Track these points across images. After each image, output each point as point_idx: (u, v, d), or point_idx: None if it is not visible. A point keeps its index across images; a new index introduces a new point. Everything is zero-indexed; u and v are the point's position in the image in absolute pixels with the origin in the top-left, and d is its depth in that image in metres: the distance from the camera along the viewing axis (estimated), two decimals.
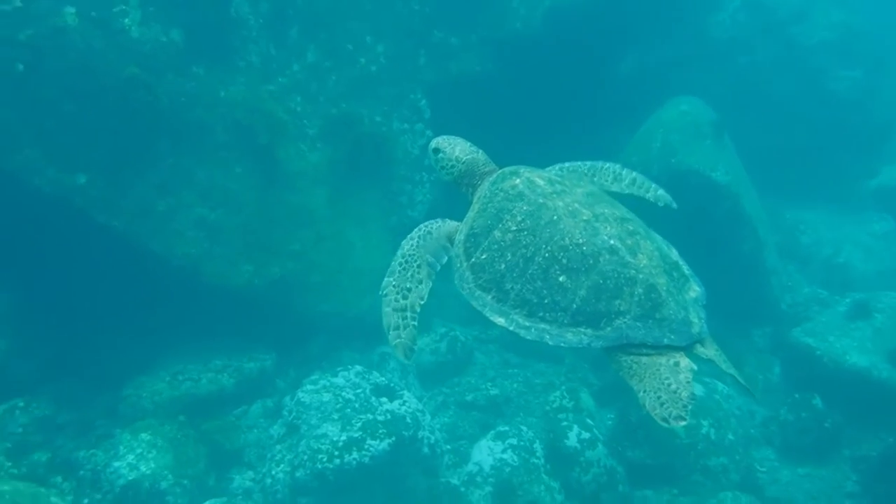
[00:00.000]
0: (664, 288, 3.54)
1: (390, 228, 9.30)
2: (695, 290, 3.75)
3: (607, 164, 4.52)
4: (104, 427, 7.53)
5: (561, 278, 3.55)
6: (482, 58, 9.77)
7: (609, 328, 3.48)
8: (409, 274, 4.02)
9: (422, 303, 3.95)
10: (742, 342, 9.73)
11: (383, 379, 7.92)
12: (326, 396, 7.34)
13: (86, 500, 6.64)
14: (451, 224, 4.23)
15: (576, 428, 7.68)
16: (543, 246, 3.63)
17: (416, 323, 3.89)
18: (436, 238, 4.15)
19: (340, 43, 9.06)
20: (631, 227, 3.74)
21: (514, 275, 3.65)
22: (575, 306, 3.50)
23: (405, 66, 9.52)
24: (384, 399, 7.46)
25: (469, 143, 4.50)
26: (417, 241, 4.13)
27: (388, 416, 7.10)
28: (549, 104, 10.30)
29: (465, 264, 3.86)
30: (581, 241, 3.61)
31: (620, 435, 7.93)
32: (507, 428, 7.74)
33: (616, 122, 11.28)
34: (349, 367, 8.07)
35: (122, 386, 7.97)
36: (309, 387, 7.55)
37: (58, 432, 7.33)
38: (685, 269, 3.85)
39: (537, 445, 7.54)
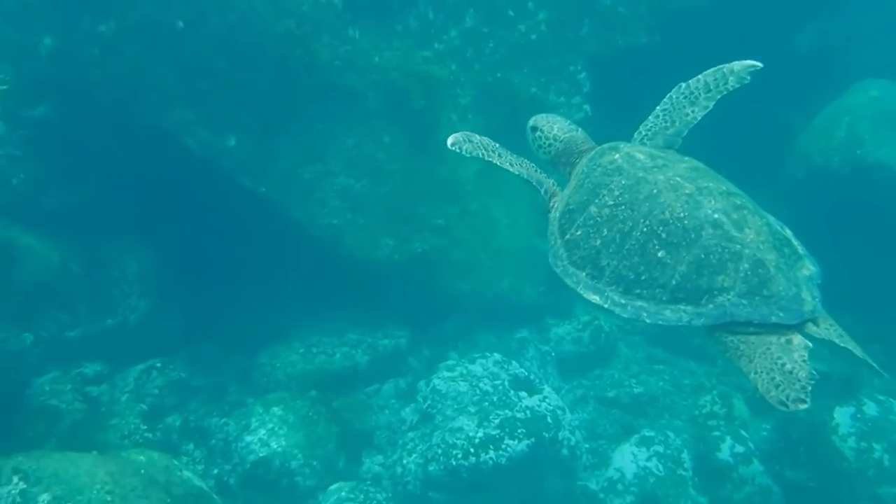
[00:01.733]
0: (773, 264, 3.33)
1: (537, 208, 8.79)
2: (808, 269, 3.50)
3: (672, 96, 4.35)
4: (237, 394, 7.54)
5: (660, 253, 3.40)
6: (650, 29, 9.06)
7: (711, 305, 3.29)
8: (510, 156, 4.26)
9: (500, 164, 4.18)
10: None
11: (522, 370, 7.57)
12: (463, 386, 7.06)
13: (216, 470, 6.65)
14: (555, 188, 4.16)
15: (728, 439, 7.16)
16: (642, 220, 3.49)
17: (481, 154, 4.23)
18: (546, 180, 4.19)
19: (501, 8, 8.60)
20: (738, 202, 3.54)
21: (611, 251, 3.53)
22: (674, 282, 3.35)
23: (567, 35, 8.95)
24: (523, 394, 7.12)
25: (568, 122, 4.41)
26: (535, 165, 4.24)
27: (528, 414, 6.75)
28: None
29: (559, 241, 3.77)
30: (682, 214, 3.44)
31: (778, 451, 7.30)
32: (652, 433, 7.27)
33: (790, 103, 10.33)
34: (487, 354, 7.75)
35: (256, 353, 7.96)
36: (445, 373, 7.28)
37: (192, 396, 7.39)
38: (799, 247, 3.59)
39: (685, 455, 7.05)
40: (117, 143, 7.05)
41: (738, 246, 3.36)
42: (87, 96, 6.72)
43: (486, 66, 8.51)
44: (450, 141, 4.28)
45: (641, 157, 3.80)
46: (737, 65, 4.29)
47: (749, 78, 4.26)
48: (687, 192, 3.54)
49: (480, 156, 4.21)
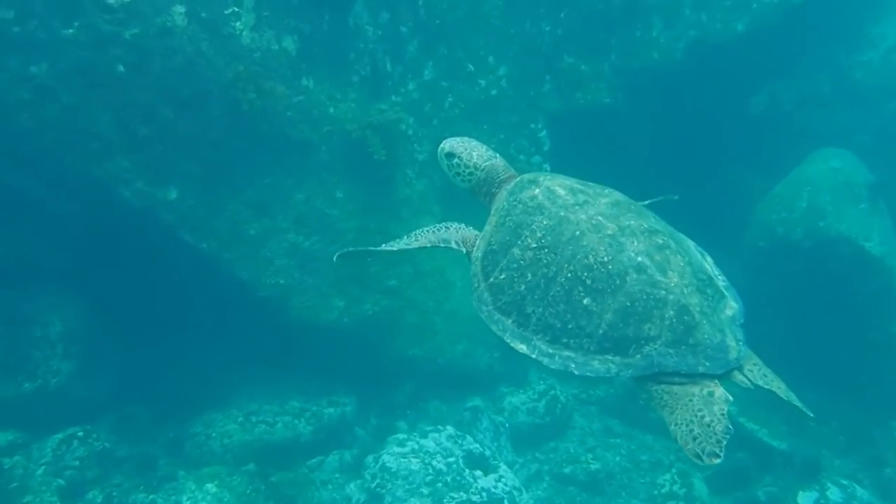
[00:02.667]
0: (697, 309, 3.30)
1: None
2: (731, 307, 3.50)
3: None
4: (167, 467, 6.97)
5: (585, 301, 3.34)
6: (612, 88, 8.92)
7: (638, 356, 3.26)
8: (404, 240, 4.06)
9: (398, 248, 4.01)
10: (881, 433, 8.66)
11: (476, 445, 7.17)
12: (415, 463, 6.62)
13: None
14: (467, 231, 4.03)
15: None
16: (566, 265, 3.42)
17: (369, 249, 4.15)
18: (449, 231, 4.02)
19: (461, 61, 8.36)
20: (660, 241, 3.49)
21: (536, 297, 3.45)
22: (601, 332, 3.31)
23: (527, 91, 8.78)
24: (479, 472, 6.72)
25: (485, 147, 4.27)
26: (425, 229, 4.05)
27: (484, 498, 6.34)
28: (676, 141, 9.44)
29: (482, 284, 3.67)
30: (606, 258, 3.37)
31: None
32: None
33: (746, 166, 10.32)
34: (440, 427, 7.35)
35: (190, 420, 7.40)
36: (395, 448, 6.84)
37: (116, 468, 6.79)
38: (721, 282, 3.58)
39: None
40: (45, 192, 6.52)
41: (663, 291, 3.31)
42: (12, 141, 6.15)
43: (445, 120, 8.27)
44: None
45: (562, 192, 3.70)
46: None
47: None
48: (609, 232, 3.46)
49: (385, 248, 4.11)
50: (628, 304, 3.29)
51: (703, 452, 3.03)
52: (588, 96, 8.90)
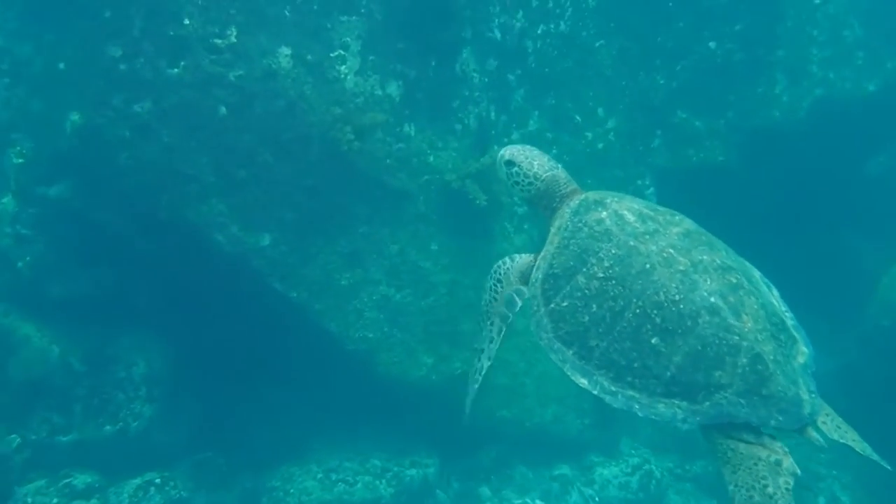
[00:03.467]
0: (771, 357, 3.18)
1: None
2: (803, 353, 3.41)
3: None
4: None
5: (653, 340, 3.24)
6: (727, 146, 8.34)
7: (707, 403, 3.16)
8: (484, 333, 3.94)
9: (489, 364, 3.88)
10: None
11: None
12: None
13: None
14: (524, 259, 3.91)
15: None
16: (634, 300, 3.30)
17: (476, 387, 3.90)
18: (506, 284, 3.89)
19: (568, 112, 7.95)
20: (734, 280, 3.35)
21: (600, 330, 3.34)
22: (669, 374, 3.20)
23: (636, 146, 8.29)
24: None
25: (547, 157, 4.11)
26: (490, 295, 3.92)
27: None
28: (792, 203, 8.78)
29: (542, 309, 3.56)
30: (678, 297, 3.25)
31: None
32: None
33: (866, 232, 9.54)
34: (527, 500, 6.81)
35: (268, 472, 7.09)
36: None
37: None
38: (791, 324, 3.47)
39: None
40: (137, 231, 6.33)
41: (737, 337, 3.19)
42: (110, 178, 6.03)
43: None
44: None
45: (631, 218, 3.56)
46: None
47: None
48: (682, 268, 3.32)
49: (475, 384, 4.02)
50: (699, 347, 3.18)
51: None
52: (700, 154, 8.35)
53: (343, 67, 6.53)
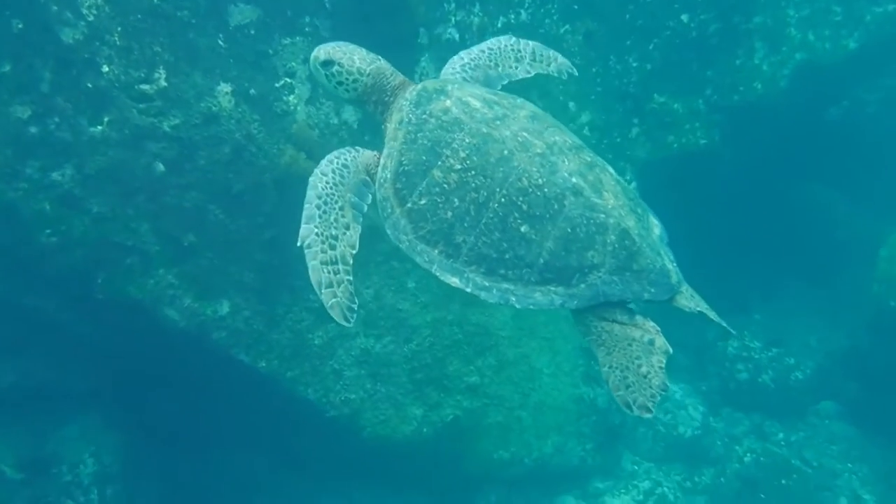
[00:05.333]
0: (636, 232, 3.38)
1: (585, 350, 7.99)
2: (656, 226, 3.62)
3: (502, 42, 4.35)
4: None
5: (523, 228, 3.37)
6: (708, 127, 8.30)
7: (583, 285, 3.35)
8: (332, 218, 3.72)
9: (353, 252, 3.69)
10: None
11: None
12: None
13: None
14: (367, 154, 3.90)
15: None
16: (497, 189, 3.39)
17: (350, 278, 3.62)
18: (353, 172, 3.83)
19: None
20: (588, 158, 3.57)
21: (465, 225, 3.41)
22: (542, 261, 3.35)
23: (613, 139, 8.15)
24: None
25: (365, 50, 4.10)
26: (333, 178, 3.78)
27: None
28: (781, 181, 8.86)
29: (398, 210, 3.58)
30: (541, 181, 3.38)
31: None
32: None
33: (859, 199, 9.74)
34: None
35: None
36: None
37: None
38: (641, 200, 3.70)
39: None
40: (71, 315, 5.86)
41: (602, 215, 3.36)
42: (32, 260, 5.52)
43: None
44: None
45: (477, 104, 3.63)
46: (561, 58, 4.49)
47: (565, 75, 4.49)
48: (539, 151, 3.45)
49: (350, 287, 3.67)
50: (569, 230, 3.33)
51: (633, 403, 3.21)
52: (682, 139, 8.29)
53: (292, 97, 6.15)
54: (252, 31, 5.95)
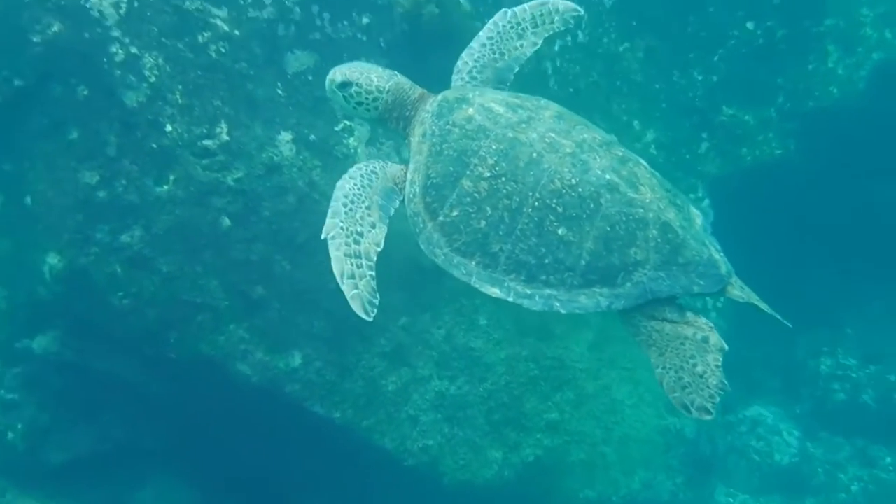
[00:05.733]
0: (678, 224, 3.38)
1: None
2: (698, 215, 3.62)
3: (498, 24, 4.27)
4: None
5: (560, 231, 3.37)
6: (783, 137, 8.16)
7: (628, 284, 3.33)
8: (358, 216, 3.73)
9: (378, 249, 3.68)
10: None
11: None
12: None
13: None
14: (394, 167, 3.92)
15: None
16: (530, 193, 3.40)
17: (373, 273, 3.61)
18: (382, 178, 3.86)
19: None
20: (620, 153, 3.56)
21: (501, 233, 3.43)
22: (583, 263, 3.35)
23: (682, 155, 8.07)
24: None
25: (381, 67, 4.17)
26: (361, 181, 3.81)
27: None
28: (866, 190, 8.65)
29: (429, 224, 3.60)
30: (573, 181, 3.40)
31: None
32: None
33: None
34: None
35: None
36: None
37: None
38: (679, 191, 3.67)
39: None
40: (144, 376, 5.99)
41: (641, 210, 3.36)
42: (104, 323, 5.67)
43: None
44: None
45: (500, 108, 3.65)
46: (561, 4, 4.28)
47: (573, 22, 4.35)
48: (569, 150, 3.46)
49: (372, 282, 3.65)
50: (608, 228, 3.34)
51: (691, 405, 3.13)
52: (755, 151, 8.16)
53: (351, 140, 6.23)
54: (310, 77, 6.05)
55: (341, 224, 3.70)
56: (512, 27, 4.30)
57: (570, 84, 7.57)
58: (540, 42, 4.32)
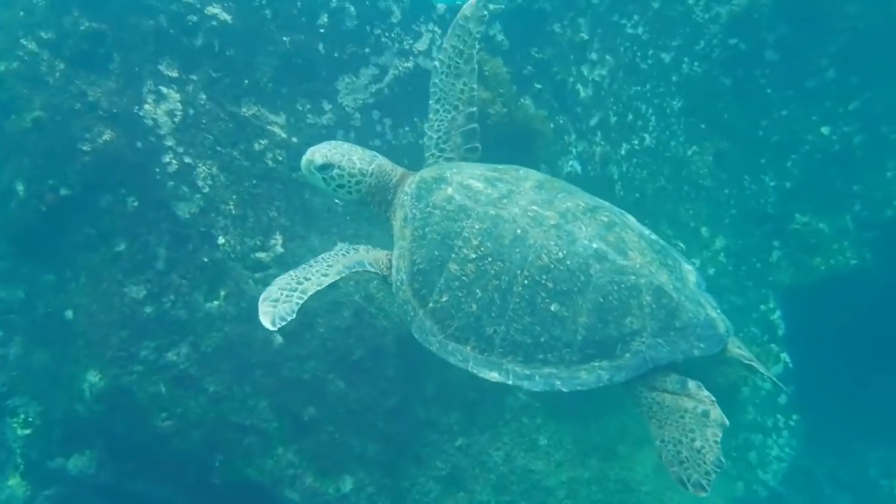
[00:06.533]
0: (671, 286, 3.37)
1: (735, 500, 7.38)
2: (691, 272, 3.61)
3: (437, 77, 4.18)
4: None
5: (553, 307, 3.34)
6: (859, 246, 7.73)
7: (628, 354, 3.31)
8: (315, 269, 3.76)
9: (317, 289, 3.67)
10: None
11: None
12: None
13: None
14: (378, 253, 3.90)
15: None
16: (518, 272, 3.38)
17: (300, 303, 3.60)
18: (359, 255, 3.87)
19: (668, 240, 7.28)
20: (605, 218, 3.54)
21: (493, 314, 3.40)
22: (580, 337, 3.32)
23: (752, 264, 7.66)
24: None
25: (359, 147, 4.10)
26: (336, 252, 3.87)
27: None
28: None
29: (420, 312, 3.59)
30: (561, 254, 3.38)
31: None
32: None
33: None
34: None
35: None
36: None
37: None
38: (671, 248, 3.67)
39: None
40: (186, 499, 5.64)
41: (633, 277, 3.34)
42: (146, 445, 5.33)
43: None
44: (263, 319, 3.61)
45: (479, 185, 3.63)
46: (467, 10, 4.08)
47: (486, 13, 4.13)
48: (553, 222, 3.44)
49: (294, 306, 3.63)
50: (601, 299, 3.31)
51: (688, 480, 3.19)
52: (829, 260, 7.72)
53: None
54: None
55: (292, 273, 3.78)
56: (447, 74, 4.17)
57: (636, 189, 7.28)
58: (475, 66, 4.13)
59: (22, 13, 5.18)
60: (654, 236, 3.72)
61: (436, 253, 3.55)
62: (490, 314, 3.40)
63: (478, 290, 3.43)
